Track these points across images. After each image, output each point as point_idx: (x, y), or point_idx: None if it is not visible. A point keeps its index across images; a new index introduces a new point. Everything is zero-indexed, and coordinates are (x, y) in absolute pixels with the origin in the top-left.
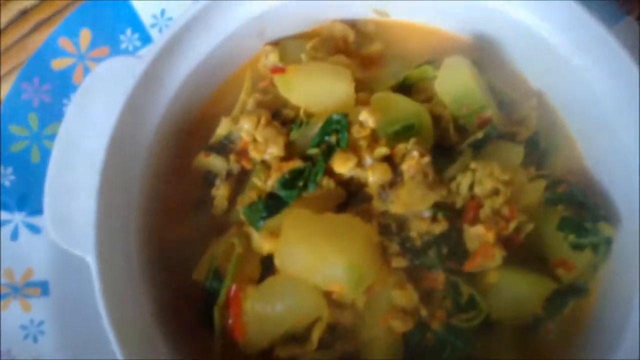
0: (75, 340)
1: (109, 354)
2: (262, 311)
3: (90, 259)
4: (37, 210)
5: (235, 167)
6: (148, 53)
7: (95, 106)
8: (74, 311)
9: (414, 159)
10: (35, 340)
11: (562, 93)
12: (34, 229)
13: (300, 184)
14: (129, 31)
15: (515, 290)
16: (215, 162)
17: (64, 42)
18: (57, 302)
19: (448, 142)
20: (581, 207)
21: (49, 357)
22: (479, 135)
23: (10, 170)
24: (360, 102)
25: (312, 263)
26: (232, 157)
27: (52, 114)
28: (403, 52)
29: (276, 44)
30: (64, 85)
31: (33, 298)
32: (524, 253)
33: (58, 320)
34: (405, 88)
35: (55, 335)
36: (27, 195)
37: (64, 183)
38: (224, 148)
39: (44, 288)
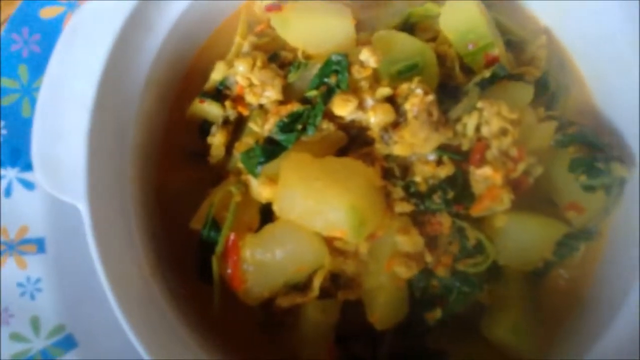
0: (73, 297)
1: (107, 310)
2: (262, 259)
3: (82, 206)
4: (31, 166)
5: (231, 114)
6: None
7: (82, 47)
8: (71, 268)
9: (417, 97)
10: (32, 297)
11: (572, 29)
12: (28, 185)
13: (299, 127)
14: None
15: (524, 234)
16: (210, 108)
17: None
18: (54, 259)
19: (453, 82)
20: (593, 148)
21: (47, 314)
22: (486, 74)
23: (2, 124)
24: (361, 43)
25: (312, 207)
26: (228, 103)
27: (43, 66)
28: None
29: None
30: (54, 35)
31: (29, 255)
32: (533, 197)
33: (55, 277)
34: (408, 27)
35: (52, 292)
36: (19, 150)
37: (52, 126)
38: (219, 94)
39: (40, 245)
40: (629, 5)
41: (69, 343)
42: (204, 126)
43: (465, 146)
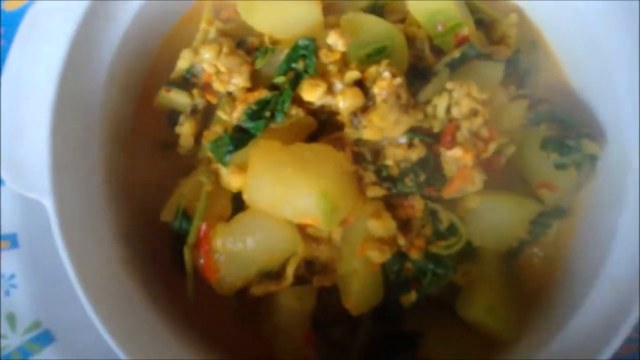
0: (49, 293)
1: (81, 305)
2: (234, 248)
3: (48, 202)
4: None
5: (199, 102)
6: None
7: (42, 40)
8: (45, 262)
9: (385, 81)
10: (7, 293)
11: (543, 7)
12: None
13: (267, 114)
14: None
15: (498, 214)
16: (177, 97)
17: None
18: (27, 255)
19: (423, 64)
20: (564, 126)
21: (23, 310)
22: (456, 54)
23: None
24: (329, 27)
25: (282, 195)
26: (195, 92)
27: None
28: None
29: None
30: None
31: (2, 251)
32: (505, 176)
33: (29, 272)
34: (377, 9)
35: (27, 288)
36: None
37: (14, 122)
38: (186, 83)
39: (12, 241)
40: None
41: (46, 339)
42: (172, 116)
43: (436, 128)
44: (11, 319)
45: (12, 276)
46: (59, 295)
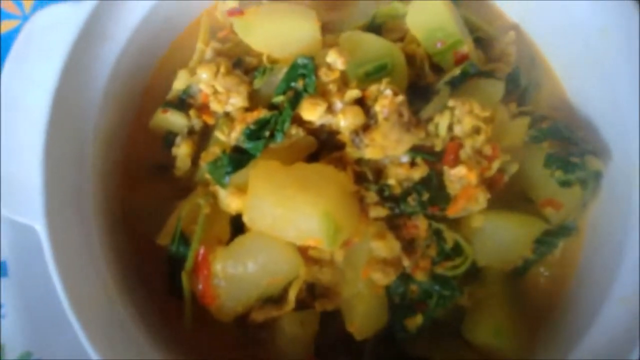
0: (38, 322)
1: (72, 335)
2: (233, 272)
3: (39, 227)
4: None
5: (196, 123)
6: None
7: (35, 59)
8: (35, 291)
9: (387, 99)
10: None
11: (540, 24)
12: None
13: (267, 134)
14: None
15: (503, 233)
16: (174, 119)
17: (6, 5)
18: (17, 283)
19: (423, 82)
20: (568, 143)
21: (12, 341)
22: (456, 72)
23: None
24: (328, 46)
25: (284, 216)
26: (192, 112)
27: None
28: None
29: None
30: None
31: None
32: (509, 195)
33: (19, 301)
34: (375, 28)
35: (17, 317)
36: None
37: (5, 143)
38: (183, 103)
39: (2, 269)
40: None
41: None
42: (168, 138)
43: (438, 147)
44: (1, 350)
45: (1, 306)
46: (50, 325)
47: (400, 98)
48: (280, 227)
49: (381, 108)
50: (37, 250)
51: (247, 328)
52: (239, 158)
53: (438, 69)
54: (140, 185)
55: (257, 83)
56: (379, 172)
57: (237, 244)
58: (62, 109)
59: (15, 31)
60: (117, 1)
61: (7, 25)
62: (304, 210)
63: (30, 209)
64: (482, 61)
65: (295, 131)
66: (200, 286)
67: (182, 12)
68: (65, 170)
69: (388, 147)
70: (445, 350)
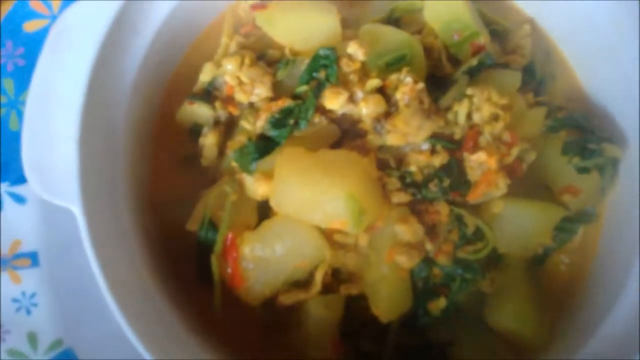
0: (70, 310)
1: (105, 321)
2: (262, 255)
3: (76, 209)
4: (21, 179)
5: (222, 114)
6: None
7: (68, 51)
8: (66, 280)
9: (407, 86)
10: (28, 312)
11: (555, 17)
12: (19, 199)
13: (291, 122)
14: None
15: (522, 220)
16: (200, 110)
17: (35, 4)
18: (48, 273)
19: (441, 72)
20: (584, 131)
21: (44, 329)
22: (473, 62)
23: None
24: (347, 39)
25: (310, 199)
26: (218, 104)
27: (28, 79)
28: None
29: None
30: (39, 48)
31: (23, 270)
32: (528, 184)
33: (50, 291)
34: (393, 22)
35: (48, 306)
36: (8, 164)
37: (41, 130)
38: (209, 95)
39: (33, 259)
40: None
41: (68, 357)
42: (195, 129)
43: (457, 135)
44: (32, 338)
45: (33, 295)
46: (81, 313)
47: (421, 85)
48: (307, 210)
49: (402, 95)
50: (67, 240)
51: (274, 312)
52: (264, 145)
53: (455, 61)
54: (168, 175)
55: (281, 74)
56: (400, 159)
57: (264, 228)
58: (95, 100)
59: (44, 31)
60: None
61: (36, 25)
62: (329, 192)
63: (65, 192)
64: (498, 54)
65: (319, 120)
66: (229, 269)
67: (207, 8)
68: (99, 157)
69: (409, 133)
70: (468, 335)
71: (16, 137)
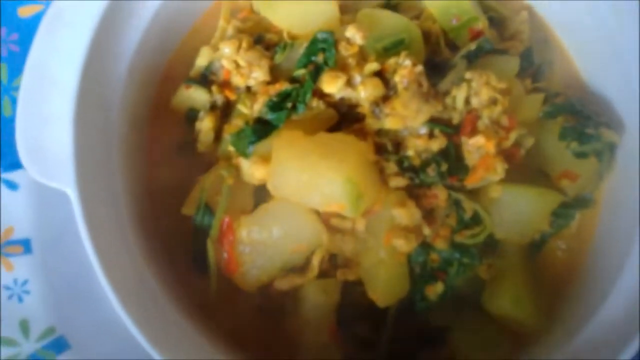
0: (62, 298)
1: (98, 309)
2: (258, 238)
3: (71, 192)
4: (14, 165)
5: (219, 99)
6: None
7: (64, 33)
8: (59, 268)
9: (406, 69)
10: (20, 300)
11: (553, 4)
12: (12, 186)
13: (289, 105)
14: None
15: (520, 205)
16: (197, 94)
17: None
18: (41, 260)
19: (439, 58)
20: (582, 117)
21: (36, 317)
22: (472, 46)
23: None
24: (345, 24)
25: (308, 182)
26: (214, 88)
27: (22, 65)
28: None
29: None
30: (33, 34)
31: (15, 257)
32: (526, 170)
33: (43, 278)
34: (392, 7)
35: (41, 293)
36: (1, 150)
37: (36, 113)
38: (205, 80)
39: (26, 246)
40: None
41: (60, 345)
42: (191, 114)
43: (455, 119)
44: (24, 325)
45: (25, 282)
46: (73, 301)
47: (419, 68)
48: (304, 193)
49: (401, 78)
50: (61, 228)
51: (270, 298)
52: (261, 129)
53: (453, 46)
54: (165, 160)
55: (278, 58)
56: (398, 144)
57: (261, 211)
58: (90, 81)
59: (39, 16)
60: None
61: (31, 10)
62: (327, 175)
63: (61, 174)
64: (496, 40)
65: (317, 103)
66: (225, 254)
67: None
68: (94, 140)
69: (408, 116)
70: (465, 320)
71: (9, 122)
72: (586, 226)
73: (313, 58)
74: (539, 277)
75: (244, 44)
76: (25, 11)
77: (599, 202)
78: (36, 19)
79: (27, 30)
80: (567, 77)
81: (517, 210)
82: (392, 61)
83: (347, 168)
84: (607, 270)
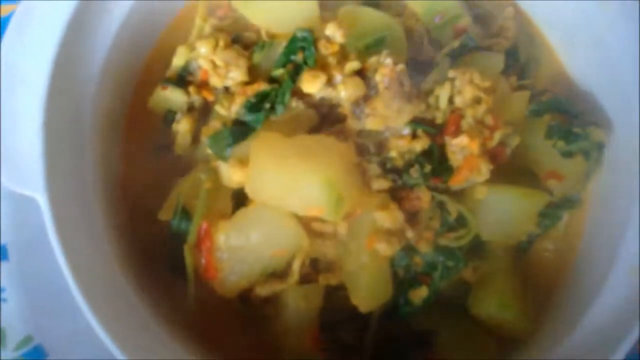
0: (40, 306)
1: (76, 317)
2: (237, 244)
3: (40, 197)
4: None
5: (196, 100)
6: None
7: (34, 31)
8: (35, 275)
9: (387, 68)
10: None
11: (540, 2)
12: None
13: (267, 106)
14: None
15: (506, 206)
16: (173, 95)
17: None
18: (17, 267)
19: (423, 56)
20: (569, 115)
21: (13, 325)
22: (455, 44)
23: None
24: (326, 21)
25: (286, 185)
26: (192, 89)
27: None
28: None
29: None
30: None
31: None
32: (512, 169)
33: (19, 286)
34: (373, 4)
35: (17, 302)
36: None
37: (6, 115)
38: (182, 80)
39: (2, 253)
40: None
41: (38, 354)
42: (168, 116)
43: (439, 119)
44: (1, 334)
45: (1, 289)
46: (51, 309)
47: (401, 67)
48: (283, 196)
49: (382, 77)
50: (37, 234)
51: (250, 304)
52: (240, 131)
53: (437, 45)
54: (140, 164)
55: (256, 57)
56: (381, 144)
57: (239, 216)
58: (61, 81)
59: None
60: None
61: (8, 9)
62: (305, 178)
63: (31, 180)
64: (481, 37)
65: (296, 104)
66: (203, 260)
67: None
68: (65, 143)
69: (389, 117)
70: (451, 324)
71: None
72: (574, 227)
73: (292, 57)
74: (526, 279)
75: (221, 43)
76: (4, 10)
77: (586, 202)
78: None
79: (2, 29)
80: (553, 74)
81: (503, 211)
82: (373, 60)
83: (326, 170)
84: (595, 272)
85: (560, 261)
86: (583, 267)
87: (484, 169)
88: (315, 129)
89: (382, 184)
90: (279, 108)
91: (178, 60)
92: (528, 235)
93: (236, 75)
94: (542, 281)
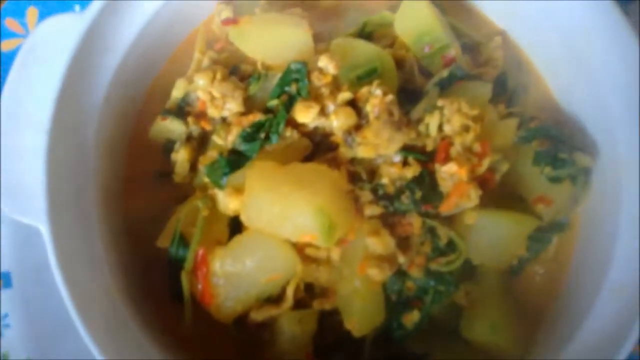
0: (42, 332)
1: (78, 343)
2: (232, 270)
3: (43, 227)
4: None
5: (194, 130)
6: (90, 10)
7: (38, 67)
8: (39, 302)
9: (377, 98)
10: (0, 334)
11: (526, 29)
12: None
13: (262, 136)
14: (77, 7)
15: (496, 231)
16: (173, 126)
17: (10, 23)
18: (21, 294)
19: (413, 85)
20: (556, 141)
21: (16, 351)
22: (444, 73)
23: None
24: (319, 53)
25: (280, 213)
26: (190, 120)
27: None
28: (361, 3)
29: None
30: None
31: None
32: (501, 195)
33: (23, 312)
34: (365, 36)
35: (21, 328)
36: None
37: (10, 148)
38: (181, 111)
39: (5, 280)
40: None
41: None
42: (167, 145)
43: (429, 147)
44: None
45: (5, 316)
46: (53, 335)
47: (390, 97)
48: (277, 224)
49: (372, 107)
50: (40, 261)
51: (246, 329)
52: (235, 160)
53: (427, 73)
54: (141, 192)
55: (252, 89)
56: (372, 172)
57: (235, 243)
58: (64, 115)
59: (18, 50)
60: (117, 13)
61: (10, 44)
62: (299, 206)
63: (33, 210)
64: (470, 66)
65: (290, 133)
66: (199, 286)
67: (180, 24)
68: (68, 174)
69: (380, 145)
70: (443, 348)
71: None
72: (564, 250)
73: (286, 88)
74: (517, 303)
75: (218, 76)
76: (5, 45)
77: (576, 226)
78: (16, 53)
79: (8, 64)
80: (541, 101)
81: (493, 236)
82: (364, 90)
83: (318, 198)
84: (585, 294)
85: (550, 284)
86: (573, 289)
87: (474, 195)
88: (309, 157)
89: (374, 210)
90: (274, 137)
91: (177, 92)
92: (519, 259)
93: (233, 106)
94: (533, 304)
